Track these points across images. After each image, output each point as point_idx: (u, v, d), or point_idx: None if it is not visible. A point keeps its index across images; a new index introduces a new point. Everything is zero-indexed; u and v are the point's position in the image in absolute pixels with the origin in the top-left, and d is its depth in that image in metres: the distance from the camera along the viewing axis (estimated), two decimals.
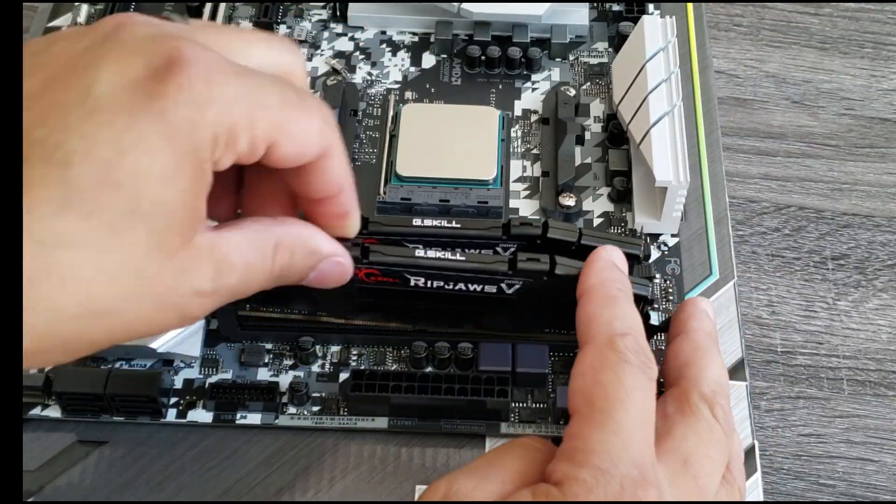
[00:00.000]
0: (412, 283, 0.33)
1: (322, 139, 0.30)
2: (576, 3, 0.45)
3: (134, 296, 0.27)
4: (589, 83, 0.44)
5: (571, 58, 0.45)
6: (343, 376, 0.36)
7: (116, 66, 0.26)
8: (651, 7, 0.46)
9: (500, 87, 0.44)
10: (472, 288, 0.33)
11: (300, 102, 0.29)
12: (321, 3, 0.46)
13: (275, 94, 0.29)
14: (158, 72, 0.26)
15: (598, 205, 0.40)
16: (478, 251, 0.33)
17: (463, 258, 0.32)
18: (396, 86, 0.44)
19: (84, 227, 0.25)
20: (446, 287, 0.33)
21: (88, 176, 0.25)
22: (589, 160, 0.41)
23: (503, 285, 0.33)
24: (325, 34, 0.45)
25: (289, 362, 0.36)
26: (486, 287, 0.33)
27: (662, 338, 0.36)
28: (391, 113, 0.42)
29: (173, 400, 0.35)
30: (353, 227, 0.33)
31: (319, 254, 0.32)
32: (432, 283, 0.33)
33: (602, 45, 0.45)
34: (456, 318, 0.35)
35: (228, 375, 0.36)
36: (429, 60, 0.45)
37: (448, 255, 0.33)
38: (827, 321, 0.51)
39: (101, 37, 0.28)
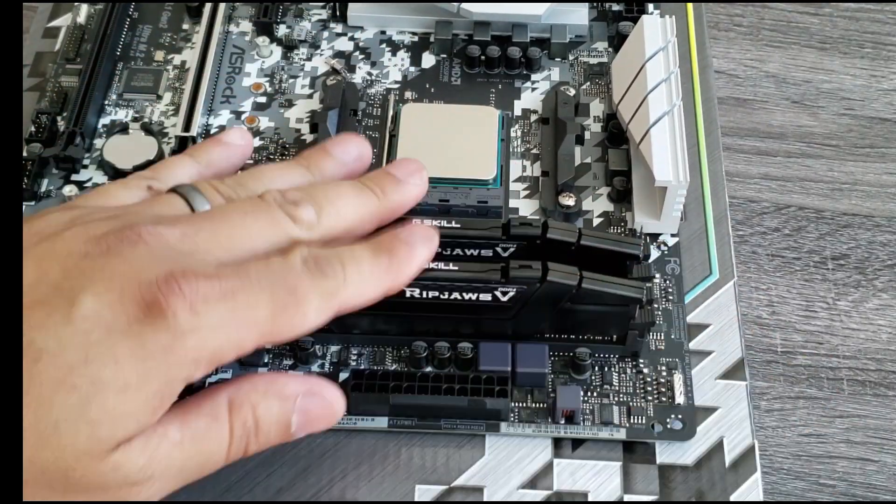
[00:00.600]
0: (408, 293, 0.33)
1: (319, 316, 0.29)
2: (575, 2, 0.45)
3: (59, 489, 0.27)
4: (589, 83, 0.44)
5: (571, 57, 0.45)
6: (343, 376, 0.36)
7: (107, 288, 0.27)
8: (651, 7, 0.46)
9: (500, 86, 0.44)
10: (467, 297, 0.33)
11: (294, 296, 0.29)
12: (321, 3, 0.46)
13: (266, 305, 0.28)
14: (145, 305, 0.27)
15: (597, 204, 0.40)
16: (476, 253, 0.34)
17: (455, 268, 0.32)
18: (396, 85, 0.44)
19: (35, 419, 0.26)
20: (442, 297, 0.33)
21: (50, 374, 0.26)
22: (589, 160, 0.41)
23: (497, 293, 0.33)
24: (325, 34, 0.45)
25: (288, 362, 0.36)
26: (482, 295, 0.33)
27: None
28: (391, 113, 0.42)
29: None
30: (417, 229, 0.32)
31: (288, 395, 0.30)
32: (428, 294, 0.33)
33: (602, 45, 0.45)
34: (454, 324, 0.35)
35: (228, 375, 0.36)
36: (428, 60, 0.45)
37: (441, 265, 0.33)
38: (827, 321, 0.51)
39: (105, 249, 0.28)
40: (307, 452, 0.35)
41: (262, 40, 0.44)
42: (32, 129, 0.40)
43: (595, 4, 0.46)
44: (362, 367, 0.36)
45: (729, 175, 0.56)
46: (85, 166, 0.40)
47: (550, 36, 0.44)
